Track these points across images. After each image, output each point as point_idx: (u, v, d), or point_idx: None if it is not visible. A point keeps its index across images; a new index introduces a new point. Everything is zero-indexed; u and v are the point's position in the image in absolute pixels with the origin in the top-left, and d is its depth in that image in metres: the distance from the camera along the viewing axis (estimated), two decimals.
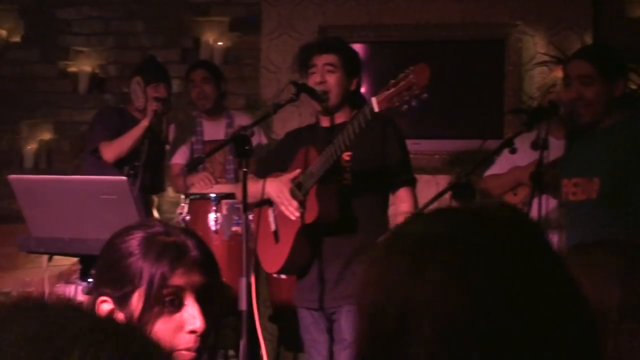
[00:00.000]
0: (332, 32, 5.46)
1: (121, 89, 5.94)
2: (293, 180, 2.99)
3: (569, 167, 3.13)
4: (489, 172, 4.19)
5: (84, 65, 6.03)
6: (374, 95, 2.67)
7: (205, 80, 4.60)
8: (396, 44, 5.41)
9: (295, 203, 2.93)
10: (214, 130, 4.65)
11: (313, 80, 3.16)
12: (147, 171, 4.35)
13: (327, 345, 3.13)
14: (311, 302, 3.12)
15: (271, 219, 3.13)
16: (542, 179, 3.44)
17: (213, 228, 4.23)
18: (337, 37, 3.62)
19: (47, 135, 6.11)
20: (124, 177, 2.94)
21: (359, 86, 3.23)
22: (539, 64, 5.28)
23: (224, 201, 4.25)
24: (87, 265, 3.13)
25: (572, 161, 3.13)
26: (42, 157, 6.08)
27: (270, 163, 3.24)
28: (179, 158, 4.69)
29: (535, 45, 5.30)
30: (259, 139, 4.53)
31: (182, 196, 4.46)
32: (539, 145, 3.72)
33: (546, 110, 3.48)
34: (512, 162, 4.02)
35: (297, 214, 2.93)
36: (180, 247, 1.36)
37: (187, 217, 4.32)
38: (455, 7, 5.37)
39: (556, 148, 3.67)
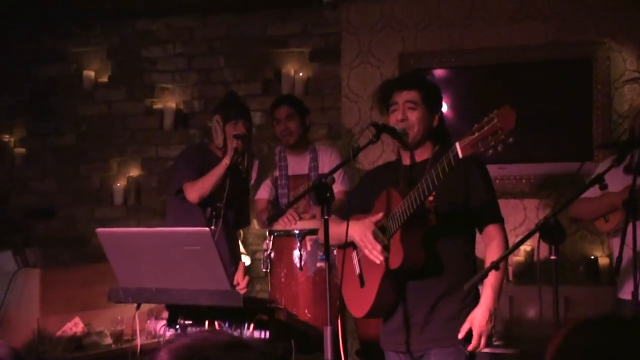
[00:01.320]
0: (413, 59, 5.42)
1: (205, 124, 6.03)
2: (376, 223, 2.94)
3: None
4: (582, 196, 4.05)
5: (168, 102, 6.15)
6: (458, 140, 2.60)
7: (290, 118, 4.61)
8: (479, 68, 5.31)
9: (379, 247, 2.88)
10: (298, 165, 4.65)
11: (395, 118, 3.10)
12: (232, 207, 4.37)
13: None
14: (398, 345, 3.06)
15: (355, 262, 3.08)
16: (636, 205, 3.31)
17: (298, 264, 4.22)
18: (417, 73, 3.55)
19: (135, 172, 6.24)
20: (207, 229, 2.94)
21: (441, 121, 3.15)
22: (629, 81, 5.09)
23: (308, 237, 4.23)
24: (174, 312, 3.15)
25: None
26: (131, 194, 6.22)
27: (352, 204, 3.19)
28: (263, 193, 4.70)
29: (624, 62, 5.12)
30: (338, 181, 4.52)
31: (267, 233, 4.47)
32: (632, 169, 3.58)
33: (636, 141, 3.34)
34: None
35: (382, 258, 2.88)
36: None
37: (272, 254, 4.32)
38: (539, 28, 5.24)
39: None
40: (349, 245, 3.09)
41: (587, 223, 4.58)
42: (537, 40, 5.24)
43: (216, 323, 3.03)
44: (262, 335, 3.01)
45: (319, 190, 2.72)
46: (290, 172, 4.67)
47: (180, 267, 2.80)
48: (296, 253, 4.23)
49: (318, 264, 4.22)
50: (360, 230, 2.93)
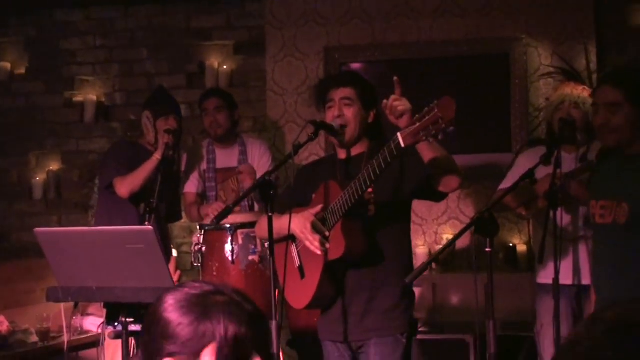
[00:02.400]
0: (337, 53, 5.50)
1: (128, 116, 5.97)
2: (316, 215, 3.01)
3: (597, 189, 3.16)
4: (502, 186, 4.22)
5: (89, 95, 6.05)
6: (399, 131, 2.69)
7: (218, 110, 4.61)
8: (401, 62, 5.43)
9: (319, 238, 2.95)
10: (226, 158, 4.67)
11: (331, 114, 3.17)
12: (163, 202, 4.37)
13: None
14: (337, 335, 3.14)
15: (295, 254, 3.14)
16: (556, 195, 3.48)
17: (230, 258, 4.25)
18: (353, 71, 3.63)
19: (55, 166, 6.13)
20: (150, 227, 2.95)
21: (376, 118, 3.24)
22: (544, 76, 5.31)
23: (239, 231, 4.26)
24: (112, 310, 3.14)
25: (600, 183, 3.16)
26: (51, 188, 6.10)
27: (290, 198, 3.25)
28: (191, 187, 4.71)
29: (539, 57, 5.33)
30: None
31: (198, 226, 4.47)
32: (550, 161, 3.76)
33: (563, 137, 3.51)
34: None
35: (322, 249, 2.95)
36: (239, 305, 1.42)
37: (203, 248, 4.33)
38: (459, 24, 5.40)
39: (566, 162, 3.71)
40: (287, 239, 3.15)
41: (509, 210, 4.76)
42: (457, 36, 5.40)
43: None
44: None
45: (263, 188, 2.77)
46: (218, 165, 4.69)
47: (122, 265, 2.80)
48: (228, 247, 4.25)
49: (250, 257, 4.26)
50: (300, 223, 2.99)
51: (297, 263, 3.14)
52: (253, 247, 4.25)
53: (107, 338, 3.31)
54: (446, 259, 5.25)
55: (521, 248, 5.23)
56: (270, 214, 2.82)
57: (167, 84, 5.70)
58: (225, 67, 5.85)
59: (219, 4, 5.84)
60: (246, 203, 4.56)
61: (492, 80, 5.34)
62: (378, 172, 2.77)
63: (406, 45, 5.46)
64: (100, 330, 3.21)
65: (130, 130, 5.90)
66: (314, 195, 3.17)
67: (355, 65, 5.53)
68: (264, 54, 5.73)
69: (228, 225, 4.26)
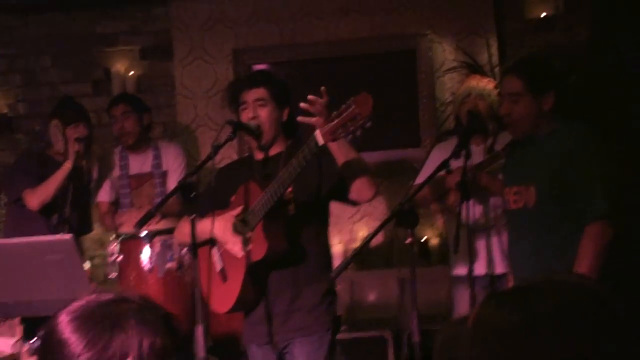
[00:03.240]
0: (246, 54, 5.50)
1: (33, 127, 5.81)
2: (236, 217, 3.01)
3: (509, 176, 3.27)
4: (416, 182, 4.30)
5: None
6: (317, 128, 2.71)
7: (126, 115, 4.52)
8: (310, 61, 5.47)
9: (240, 240, 2.95)
10: (140, 164, 4.59)
11: (245, 116, 3.18)
12: (74, 212, 4.28)
13: None
14: (261, 337, 3.14)
15: (216, 258, 3.13)
16: (468, 186, 3.57)
17: (147, 267, 4.19)
18: (263, 70, 3.64)
19: None
20: (69, 236, 2.89)
21: (290, 116, 3.26)
22: (449, 70, 5.43)
23: (156, 238, 4.21)
24: (30, 325, 3.06)
25: (512, 170, 3.26)
26: None
27: (207, 202, 3.23)
28: (104, 195, 4.61)
29: (444, 53, 5.45)
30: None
31: (113, 236, 4.40)
32: (460, 154, 3.85)
33: (474, 128, 3.61)
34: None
35: (244, 251, 2.95)
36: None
37: (119, 258, 4.25)
38: (365, 22, 5.47)
39: (475, 154, 3.81)
40: (207, 243, 3.13)
41: (425, 206, 4.85)
42: (363, 34, 5.47)
43: None
44: None
45: (185, 190, 2.75)
46: (131, 172, 4.61)
47: (40, 277, 2.73)
48: (145, 255, 4.20)
49: (168, 265, 4.22)
50: (220, 225, 2.98)
51: (219, 267, 3.13)
52: (170, 254, 4.21)
53: (16, 348, 3.21)
54: (362, 255, 5.31)
55: (434, 242, 5.34)
56: (192, 217, 2.80)
57: (72, 93, 5.57)
58: (132, 72, 5.75)
59: (124, 9, 5.75)
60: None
61: (400, 77, 5.44)
62: (298, 171, 2.80)
63: (314, 45, 5.50)
64: (14, 350, 3.11)
65: (35, 141, 5.74)
66: (233, 197, 3.16)
67: (263, 66, 5.54)
68: (171, 58, 5.66)
69: (145, 233, 4.21)
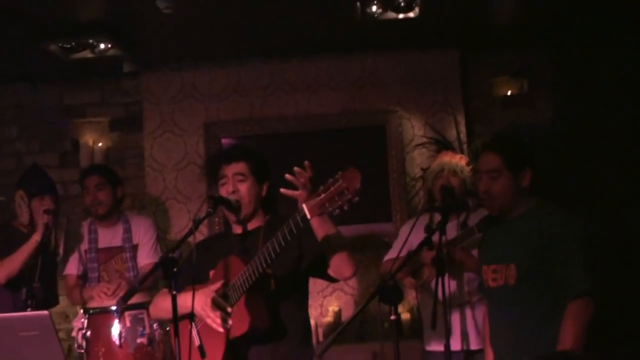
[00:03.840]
0: (216, 127, 5.51)
1: None
2: (216, 291, 2.96)
3: (487, 254, 3.27)
4: (387, 257, 4.30)
5: None
6: (304, 202, 2.71)
7: (99, 187, 4.46)
8: (280, 135, 5.50)
9: (220, 315, 2.90)
10: (110, 237, 4.52)
11: (225, 191, 3.16)
12: (42, 286, 4.18)
13: None
14: None
15: (194, 333, 3.07)
16: (443, 262, 3.58)
17: (117, 342, 4.09)
18: (243, 145, 3.64)
19: None
20: (46, 312, 2.81)
21: (269, 191, 3.25)
22: (418, 146, 5.51)
23: (127, 312, 4.12)
24: None
25: (489, 249, 3.27)
26: None
27: (185, 276, 3.18)
28: (72, 268, 4.52)
29: (413, 129, 5.54)
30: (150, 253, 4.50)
31: (81, 311, 4.29)
32: (432, 229, 3.88)
33: (458, 205, 3.64)
34: (407, 245, 4.14)
35: (224, 326, 2.89)
36: None
37: (88, 333, 4.15)
38: (335, 97, 5.55)
39: (449, 229, 3.83)
40: (185, 317, 3.07)
41: (399, 281, 4.85)
42: (334, 109, 5.54)
43: None
44: None
45: (166, 265, 2.71)
46: (100, 245, 4.53)
47: (15, 353, 2.64)
48: (115, 330, 4.10)
49: (138, 340, 4.12)
50: (200, 300, 2.93)
51: (197, 342, 3.06)
52: (141, 329, 4.13)
53: None
54: (333, 330, 5.26)
55: (405, 316, 5.32)
56: (174, 292, 2.75)
57: (39, 163, 5.51)
58: (100, 144, 5.73)
59: (94, 81, 5.75)
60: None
61: (370, 152, 5.49)
62: (283, 245, 2.77)
63: (284, 119, 5.54)
64: None
65: (0, 213, 5.64)
66: (212, 272, 3.12)
67: (232, 140, 5.55)
68: (141, 131, 5.66)
69: (114, 308, 4.12)
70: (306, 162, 2.89)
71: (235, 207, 3.13)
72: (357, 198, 2.61)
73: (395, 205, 5.40)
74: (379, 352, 5.05)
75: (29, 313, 2.78)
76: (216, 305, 2.93)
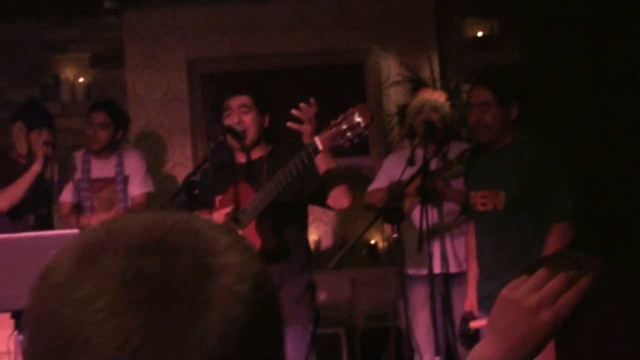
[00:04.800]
0: (199, 64, 5.65)
1: None
2: (226, 215, 3.18)
3: (475, 181, 3.54)
4: (373, 187, 4.55)
5: None
6: (316, 134, 2.92)
7: (102, 126, 4.55)
8: (260, 73, 5.66)
9: None
10: (102, 168, 4.65)
11: (230, 121, 3.35)
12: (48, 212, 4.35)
13: None
14: None
15: None
16: (427, 191, 3.85)
17: None
18: (247, 78, 3.81)
19: None
20: (77, 230, 2.99)
21: (271, 122, 3.45)
22: (394, 84, 5.73)
23: None
24: (21, 319, 3.13)
25: (477, 176, 3.54)
26: None
27: (189, 203, 3.37)
28: (67, 196, 4.66)
29: (389, 67, 5.75)
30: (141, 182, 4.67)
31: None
32: (414, 162, 4.14)
33: (450, 134, 3.89)
34: (390, 176, 4.39)
35: None
36: None
37: None
38: (314, 36, 5.71)
39: (430, 162, 4.09)
40: None
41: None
42: (312, 47, 5.71)
43: None
44: None
45: (188, 188, 2.91)
46: (93, 175, 4.67)
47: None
48: None
49: None
50: None
51: None
52: None
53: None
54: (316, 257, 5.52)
55: (382, 245, 5.61)
56: (195, 213, 2.96)
57: (19, 98, 5.59)
58: (81, 79, 5.82)
59: (74, 17, 5.81)
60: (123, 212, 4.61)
61: (348, 89, 5.69)
62: (294, 174, 2.99)
63: (263, 57, 5.70)
64: (11, 342, 3.17)
65: None
66: (219, 197, 3.33)
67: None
68: (122, 67, 5.76)
69: None
70: (311, 99, 3.10)
71: (240, 136, 3.33)
72: (366, 132, 2.82)
73: (373, 140, 5.63)
74: (357, 278, 5.34)
75: (60, 231, 2.95)
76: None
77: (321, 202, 3.32)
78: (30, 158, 4.36)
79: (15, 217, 4.26)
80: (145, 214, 0.70)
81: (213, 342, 0.64)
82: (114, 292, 0.63)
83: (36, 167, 4.23)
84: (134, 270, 0.63)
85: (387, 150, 5.49)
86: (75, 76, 5.82)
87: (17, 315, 3.17)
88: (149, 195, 4.76)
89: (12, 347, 3.20)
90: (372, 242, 5.62)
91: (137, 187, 4.67)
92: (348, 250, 3.07)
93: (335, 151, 3.22)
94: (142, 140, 5.66)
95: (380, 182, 4.47)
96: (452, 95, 4.85)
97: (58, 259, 0.70)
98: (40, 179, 4.35)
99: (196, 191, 2.92)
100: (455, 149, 4.22)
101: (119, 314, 0.63)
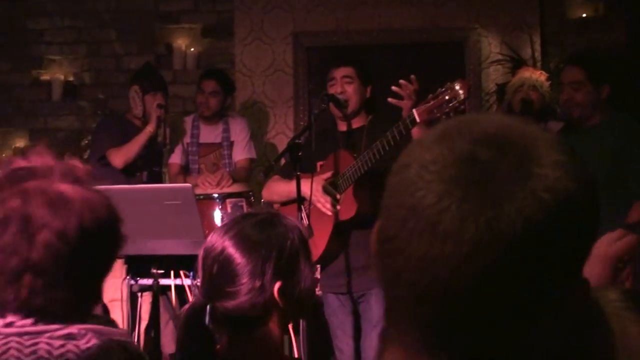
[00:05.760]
0: (304, 37, 5.85)
1: (96, 95, 6.17)
2: (326, 179, 3.37)
3: None
4: None
5: (57, 74, 6.20)
6: (413, 109, 3.08)
7: (213, 94, 4.87)
8: (363, 47, 5.82)
9: (330, 200, 3.31)
10: (210, 134, 4.95)
11: (334, 91, 3.54)
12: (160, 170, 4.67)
13: (353, 325, 3.52)
14: (339, 287, 3.50)
15: (304, 214, 3.49)
16: None
17: (219, 225, 4.55)
18: (351, 51, 3.97)
19: (21, 143, 6.25)
20: (189, 185, 3.25)
21: (372, 93, 3.62)
22: (494, 63, 5.80)
23: (227, 200, 4.56)
24: (134, 266, 3.40)
25: None
26: None
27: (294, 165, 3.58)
28: (176, 158, 4.97)
29: (490, 46, 5.82)
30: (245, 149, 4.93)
31: None
32: None
33: (548, 113, 3.97)
34: None
35: (333, 210, 3.31)
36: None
37: None
38: (417, 13, 5.83)
39: None
40: (294, 202, 3.49)
41: None
42: (415, 24, 5.83)
43: (181, 272, 3.35)
44: None
45: (293, 150, 3.11)
46: (201, 140, 4.97)
47: (157, 220, 3.08)
48: (217, 214, 4.55)
49: None
50: (312, 186, 3.35)
51: (305, 222, 3.49)
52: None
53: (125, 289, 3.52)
54: None
55: None
56: (297, 174, 3.16)
57: (135, 65, 5.93)
58: (192, 49, 6.11)
59: None
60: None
61: (448, 67, 5.78)
62: (392, 144, 3.15)
63: (367, 32, 5.85)
64: (124, 288, 3.44)
65: (99, 109, 6.10)
66: (320, 163, 3.52)
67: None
68: (231, 38, 6.02)
69: (216, 195, 4.57)
70: (412, 76, 3.25)
71: (342, 104, 3.51)
72: (463, 106, 2.95)
73: None
74: None
75: (174, 185, 3.21)
76: (326, 191, 3.34)
77: None
78: (145, 120, 4.67)
79: (129, 174, 4.57)
80: (501, 116, 0.81)
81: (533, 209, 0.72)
82: (449, 164, 0.75)
83: (149, 128, 4.53)
84: (470, 153, 0.75)
85: None
86: (187, 46, 6.12)
87: (129, 262, 3.44)
88: (251, 160, 5.03)
89: (124, 293, 3.47)
90: None
91: (241, 153, 4.94)
92: None
93: (432, 124, 3.36)
94: (247, 109, 5.91)
95: None
96: (552, 76, 4.89)
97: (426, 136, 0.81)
98: (153, 140, 4.65)
99: (299, 153, 3.12)
100: (553, 128, 4.28)
101: (445, 181, 0.74)
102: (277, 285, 1.61)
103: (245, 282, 1.59)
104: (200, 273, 1.67)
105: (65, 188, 1.33)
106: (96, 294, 1.46)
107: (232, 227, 1.66)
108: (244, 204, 4.58)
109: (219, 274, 1.63)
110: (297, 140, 3.16)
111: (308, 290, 1.67)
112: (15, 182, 1.34)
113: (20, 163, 1.38)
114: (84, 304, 1.41)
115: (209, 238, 1.69)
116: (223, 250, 1.64)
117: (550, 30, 5.88)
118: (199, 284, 1.71)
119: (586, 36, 5.77)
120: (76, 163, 1.39)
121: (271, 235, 1.64)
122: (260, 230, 1.66)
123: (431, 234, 0.74)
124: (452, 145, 0.76)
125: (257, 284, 1.59)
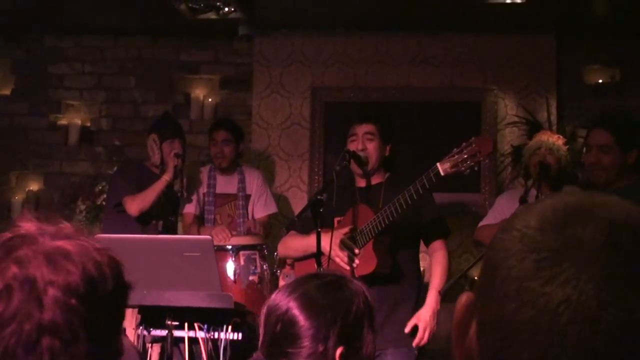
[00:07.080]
0: (322, 92, 5.90)
1: (112, 142, 6.20)
2: (345, 234, 3.36)
3: None
4: (483, 223, 4.64)
5: (74, 119, 6.25)
6: (438, 162, 3.09)
7: (226, 143, 4.89)
8: (380, 104, 5.85)
9: (348, 255, 3.30)
10: (226, 185, 4.96)
11: (354, 147, 3.55)
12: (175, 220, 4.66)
13: None
14: None
15: (322, 270, 3.47)
16: None
17: (232, 277, 4.52)
18: (375, 108, 4.00)
19: (35, 186, 6.27)
20: (209, 237, 3.24)
21: (391, 151, 3.63)
22: (510, 124, 5.82)
23: (241, 252, 4.55)
24: (148, 315, 3.38)
25: None
26: (30, 208, 6.22)
27: (311, 221, 3.57)
28: (191, 208, 4.96)
29: (506, 107, 5.85)
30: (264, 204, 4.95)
31: None
32: (527, 202, 4.22)
33: (564, 177, 3.97)
34: (502, 214, 4.48)
35: (351, 265, 3.29)
36: None
37: None
38: (435, 72, 5.88)
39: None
40: (311, 257, 3.48)
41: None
42: (433, 83, 5.87)
43: (196, 325, 3.31)
44: (237, 337, 3.33)
45: (315, 206, 3.11)
46: (217, 190, 4.98)
47: (175, 271, 3.07)
48: (229, 266, 4.53)
49: (250, 278, 4.54)
50: (330, 241, 3.33)
51: None
52: (253, 268, 4.54)
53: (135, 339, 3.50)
54: None
55: None
56: (318, 230, 3.16)
57: (152, 112, 5.98)
58: (210, 99, 6.16)
59: (209, 41, 6.16)
60: (242, 228, 4.87)
61: (464, 126, 5.79)
62: (415, 198, 3.15)
63: (385, 89, 5.90)
64: (137, 335, 3.42)
65: (114, 155, 6.13)
66: (338, 218, 3.51)
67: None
68: (249, 90, 6.07)
69: (229, 247, 4.55)
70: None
71: (364, 162, 3.52)
72: (487, 160, 2.96)
73: (485, 178, 5.72)
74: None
75: (194, 236, 3.20)
76: (345, 246, 3.33)
77: (426, 239, 3.49)
78: (163, 168, 4.68)
79: (145, 223, 4.56)
80: (616, 198, 0.77)
81: None
82: (584, 256, 0.69)
83: (166, 177, 4.53)
84: (610, 243, 0.69)
85: (498, 188, 5.57)
86: (205, 96, 6.17)
87: (143, 312, 3.42)
88: (272, 216, 5.05)
89: (136, 341, 3.44)
90: (476, 277, 5.68)
91: (262, 210, 4.96)
92: (458, 279, 3.19)
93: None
94: (262, 161, 5.93)
95: (491, 219, 4.56)
96: (569, 140, 4.90)
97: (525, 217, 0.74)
98: (169, 188, 4.66)
99: (321, 209, 3.12)
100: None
101: (588, 269, 0.68)
102: (339, 351, 1.59)
103: (307, 345, 1.58)
104: (262, 330, 1.66)
105: (60, 243, 1.31)
106: (115, 347, 1.43)
107: (297, 287, 1.66)
108: (257, 256, 4.56)
109: (281, 334, 1.63)
110: (319, 197, 3.16)
111: (369, 357, 1.65)
112: (8, 253, 1.31)
113: (7, 235, 1.36)
114: (106, 357, 1.39)
115: (272, 296, 1.69)
116: (287, 310, 1.63)
117: (566, 95, 5.92)
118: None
119: (602, 101, 5.80)
120: (63, 224, 1.37)
121: (337, 299, 1.63)
122: (326, 293, 1.66)
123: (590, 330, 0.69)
124: (582, 232, 0.71)
125: (320, 348, 1.57)
